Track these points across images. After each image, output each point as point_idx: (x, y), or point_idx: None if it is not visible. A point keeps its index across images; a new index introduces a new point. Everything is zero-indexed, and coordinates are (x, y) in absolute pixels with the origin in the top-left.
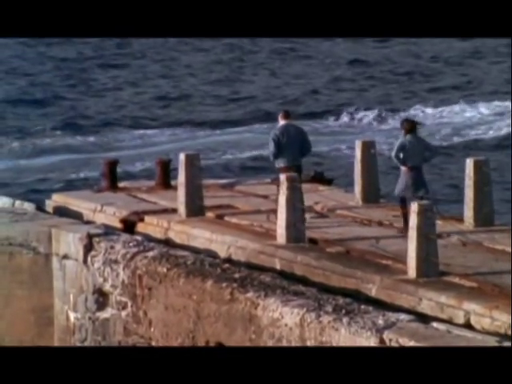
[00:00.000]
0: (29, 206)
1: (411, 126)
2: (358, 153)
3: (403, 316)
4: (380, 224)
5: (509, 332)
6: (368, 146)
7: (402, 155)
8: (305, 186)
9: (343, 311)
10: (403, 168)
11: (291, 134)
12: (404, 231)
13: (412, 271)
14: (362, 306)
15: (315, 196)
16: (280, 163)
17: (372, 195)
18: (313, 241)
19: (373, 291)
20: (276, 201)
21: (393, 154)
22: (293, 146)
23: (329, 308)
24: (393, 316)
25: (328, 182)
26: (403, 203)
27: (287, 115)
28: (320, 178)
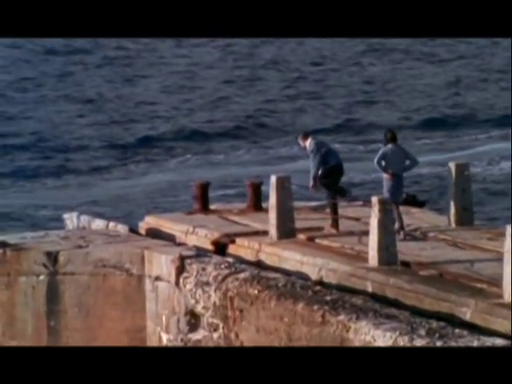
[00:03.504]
0: (122, 228)
1: (392, 136)
2: (451, 175)
3: (499, 340)
4: (474, 247)
5: None
6: (462, 168)
7: (383, 163)
8: None
9: (437, 335)
10: (385, 175)
11: (324, 144)
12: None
13: (508, 295)
14: (457, 330)
15: (408, 218)
16: (328, 165)
17: (466, 217)
18: (405, 263)
19: (467, 315)
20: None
21: (375, 161)
22: (331, 151)
23: (422, 332)
24: (488, 340)
25: (420, 204)
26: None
27: (307, 135)
28: (412, 201)
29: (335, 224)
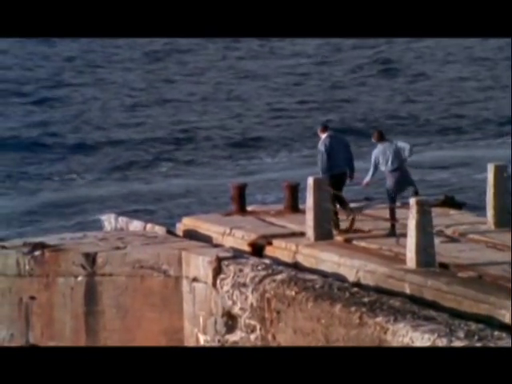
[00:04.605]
0: (159, 230)
1: (379, 135)
2: (490, 176)
3: None
4: None
5: None
6: (500, 170)
7: (380, 161)
8: (435, 210)
9: (476, 337)
10: (386, 172)
11: (336, 143)
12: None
13: None
14: (496, 333)
15: (446, 220)
16: (330, 172)
17: (505, 219)
18: (443, 265)
19: (506, 317)
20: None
21: (371, 168)
22: (339, 155)
23: (461, 334)
24: None
25: (459, 205)
26: (392, 201)
27: (326, 128)
28: (451, 202)
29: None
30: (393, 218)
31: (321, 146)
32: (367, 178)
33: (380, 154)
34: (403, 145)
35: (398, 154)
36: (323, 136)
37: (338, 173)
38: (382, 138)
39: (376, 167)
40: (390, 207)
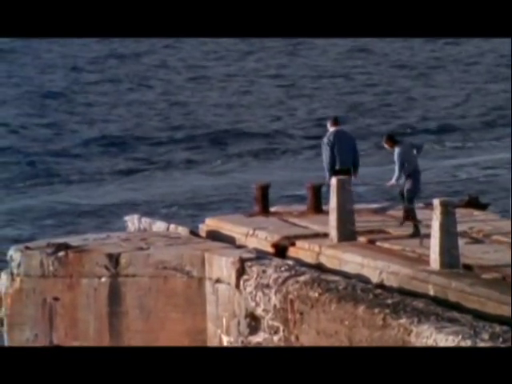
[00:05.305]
0: (182, 230)
1: (392, 139)
2: None
3: None
4: None
5: None
6: None
7: (405, 165)
8: (459, 211)
9: (500, 339)
10: (408, 173)
11: (342, 139)
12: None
13: None
14: None
15: (470, 221)
16: (334, 166)
17: None
18: (467, 267)
19: None
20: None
21: (397, 172)
22: (344, 150)
23: (485, 336)
24: None
25: (483, 206)
26: (411, 202)
27: (336, 122)
28: (475, 203)
29: None
30: (414, 218)
31: (324, 139)
32: (393, 180)
33: (404, 154)
34: (418, 144)
35: (414, 153)
36: (331, 129)
37: (341, 168)
38: (395, 141)
39: (403, 167)
40: (408, 208)
